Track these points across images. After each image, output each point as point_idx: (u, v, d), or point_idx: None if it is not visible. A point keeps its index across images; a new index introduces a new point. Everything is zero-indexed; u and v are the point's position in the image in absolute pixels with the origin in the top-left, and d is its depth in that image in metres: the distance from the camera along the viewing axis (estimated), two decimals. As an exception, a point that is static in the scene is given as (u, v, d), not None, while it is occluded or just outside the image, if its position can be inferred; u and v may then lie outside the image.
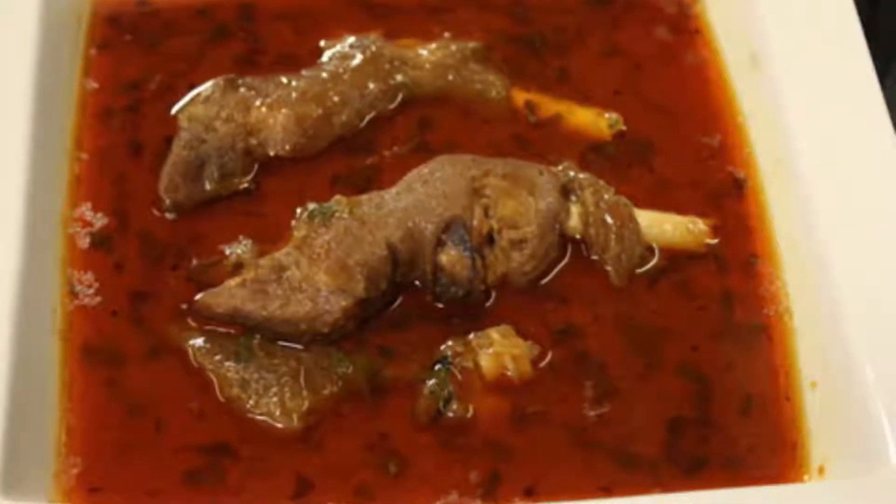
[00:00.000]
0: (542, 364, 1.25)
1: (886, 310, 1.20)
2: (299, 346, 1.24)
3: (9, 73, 1.33)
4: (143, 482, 1.18)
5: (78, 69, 1.42)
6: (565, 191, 1.31)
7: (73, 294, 1.27)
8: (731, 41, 1.46)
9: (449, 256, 1.25)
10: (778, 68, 1.37)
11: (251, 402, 1.21)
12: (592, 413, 1.22)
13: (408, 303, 1.28)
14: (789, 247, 1.31)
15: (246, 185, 1.35)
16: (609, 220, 1.29)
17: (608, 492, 1.17)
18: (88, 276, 1.28)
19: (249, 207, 1.34)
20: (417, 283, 1.28)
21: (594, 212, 1.29)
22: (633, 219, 1.30)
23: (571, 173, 1.32)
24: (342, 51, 1.42)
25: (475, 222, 1.27)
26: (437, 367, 1.23)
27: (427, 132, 1.39)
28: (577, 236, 1.31)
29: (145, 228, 1.32)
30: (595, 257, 1.31)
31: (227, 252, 1.29)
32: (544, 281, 1.30)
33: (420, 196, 1.27)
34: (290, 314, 1.22)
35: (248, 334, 1.24)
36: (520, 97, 1.42)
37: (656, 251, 1.32)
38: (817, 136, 1.31)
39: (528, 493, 1.18)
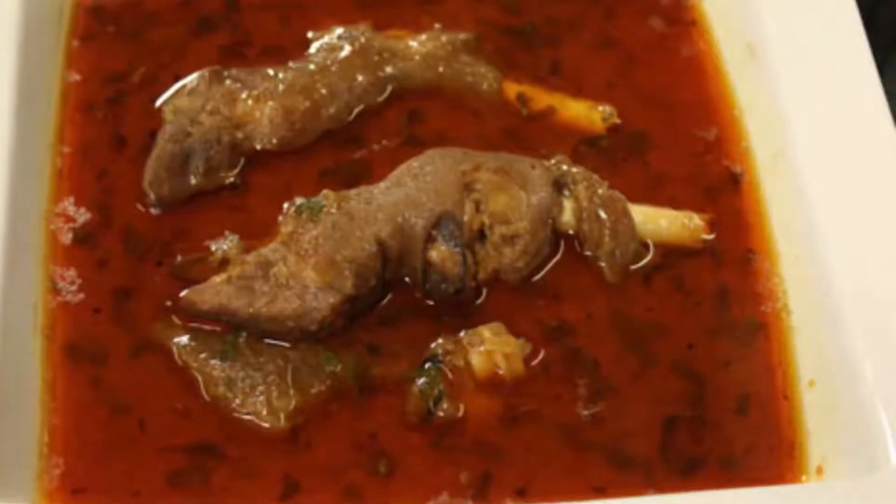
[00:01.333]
0: (535, 362, 1.24)
1: (885, 307, 1.19)
2: (286, 344, 1.23)
3: (-11, 65, 1.32)
4: (127, 483, 1.17)
5: (60, 61, 1.41)
6: (558, 185, 1.30)
7: (55, 291, 1.26)
8: (728, 32, 1.45)
9: (439, 252, 1.24)
10: (775, 60, 1.36)
11: (237, 401, 1.20)
12: (586, 412, 1.21)
13: (397, 300, 1.27)
14: (787, 242, 1.30)
15: (232, 179, 1.34)
16: (603, 215, 1.28)
17: (601, 493, 1.17)
18: (71, 273, 1.28)
19: (235, 202, 1.33)
20: (407, 279, 1.27)
21: (588, 207, 1.28)
22: (627, 214, 1.29)
23: (564, 167, 1.31)
24: (330, 42, 1.41)
25: (466, 217, 1.26)
26: (427, 365, 1.22)
27: (417, 125, 1.38)
28: (571, 232, 1.30)
29: (129, 224, 1.31)
30: (588, 253, 1.30)
31: (213, 248, 1.28)
32: (536, 277, 1.29)
33: (410, 190, 1.26)
34: (277, 311, 1.21)
35: (234, 332, 1.23)
36: (512, 89, 1.41)
37: (651, 247, 1.31)
38: (815, 129, 1.30)
39: (520, 493, 1.17)
